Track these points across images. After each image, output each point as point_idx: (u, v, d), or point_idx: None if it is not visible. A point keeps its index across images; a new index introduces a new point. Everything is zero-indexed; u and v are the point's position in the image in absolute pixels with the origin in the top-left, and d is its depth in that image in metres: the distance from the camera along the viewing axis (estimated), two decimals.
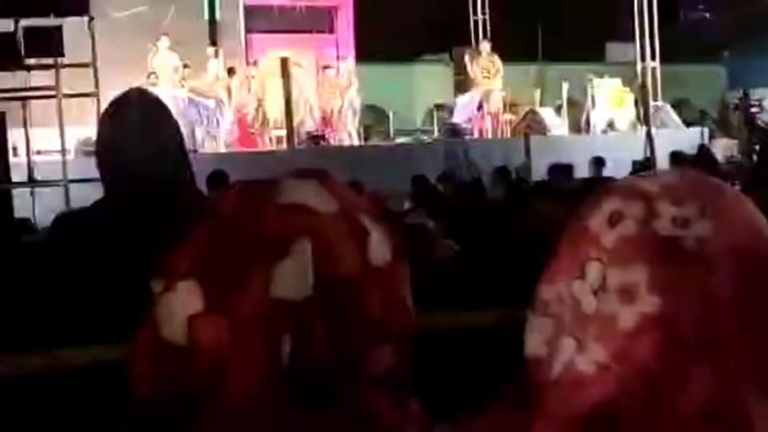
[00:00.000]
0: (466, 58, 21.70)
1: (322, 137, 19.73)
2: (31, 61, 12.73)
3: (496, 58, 21.58)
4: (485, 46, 21.84)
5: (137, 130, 2.96)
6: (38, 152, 14.14)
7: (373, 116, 22.55)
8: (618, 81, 22.22)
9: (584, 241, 1.02)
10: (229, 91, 19.37)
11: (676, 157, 14.93)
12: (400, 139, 21.17)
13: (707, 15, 21.26)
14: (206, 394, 1.26)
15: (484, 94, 20.92)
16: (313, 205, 1.32)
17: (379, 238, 1.34)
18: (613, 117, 21.65)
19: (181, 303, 1.27)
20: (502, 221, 7.09)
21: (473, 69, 21.17)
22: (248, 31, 22.42)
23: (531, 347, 1.05)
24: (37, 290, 2.98)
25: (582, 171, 13.70)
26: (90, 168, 10.50)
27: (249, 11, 22.48)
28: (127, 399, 1.35)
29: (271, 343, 1.26)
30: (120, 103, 3.07)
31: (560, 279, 1.03)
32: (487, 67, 21.12)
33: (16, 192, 11.99)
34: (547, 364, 1.03)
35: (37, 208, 11.76)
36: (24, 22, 12.50)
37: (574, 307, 1.01)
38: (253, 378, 1.25)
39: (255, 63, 20.57)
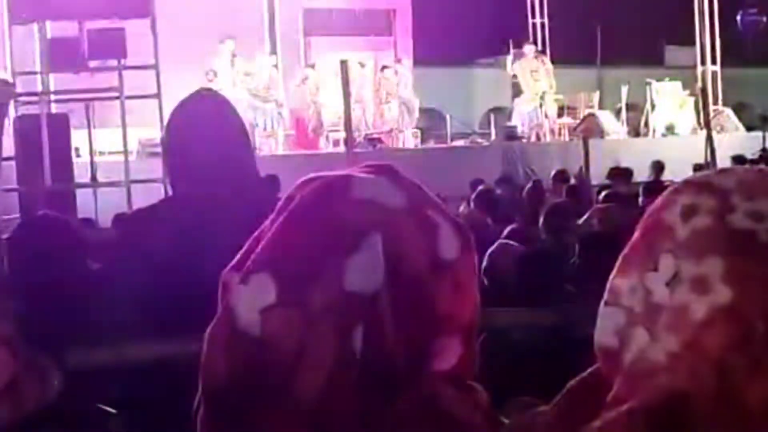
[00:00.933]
0: (509, 59, 21.60)
1: (380, 140, 19.78)
2: (95, 63, 12.88)
3: (546, 59, 21.44)
4: (530, 48, 21.66)
5: (207, 126, 2.99)
6: (100, 153, 14.33)
7: (431, 119, 22.53)
8: (678, 84, 22.02)
9: (659, 233, 1.03)
10: (285, 92, 19.48)
11: (738, 161, 14.79)
12: (458, 142, 21.13)
13: (764, 18, 20.96)
14: (279, 384, 1.28)
15: (540, 98, 20.81)
16: (384, 200, 1.34)
17: (447, 233, 1.36)
18: (672, 121, 21.47)
19: (255, 295, 1.30)
20: (563, 223, 7.08)
21: (516, 69, 21.06)
22: (306, 33, 22.51)
23: (602, 337, 1.06)
24: (108, 286, 3.03)
25: (641, 175, 13.61)
26: (151, 169, 10.68)
27: (307, 13, 22.57)
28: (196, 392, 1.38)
29: (342, 335, 1.28)
30: (190, 100, 3.10)
31: (634, 271, 1.04)
32: (535, 68, 21.01)
33: (79, 192, 12.18)
34: (619, 353, 1.04)
35: (99, 208, 11.90)
36: (88, 25, 12.65)
37: (646, 297, 1.02)
38: (325, 369, 1.27)
39: (312, 66, 20.64)
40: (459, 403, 1.34)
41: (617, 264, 1.07)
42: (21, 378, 2.28)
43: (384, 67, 21.25)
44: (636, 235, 1.07)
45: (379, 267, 1.30)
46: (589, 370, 1.11)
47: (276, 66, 19.99)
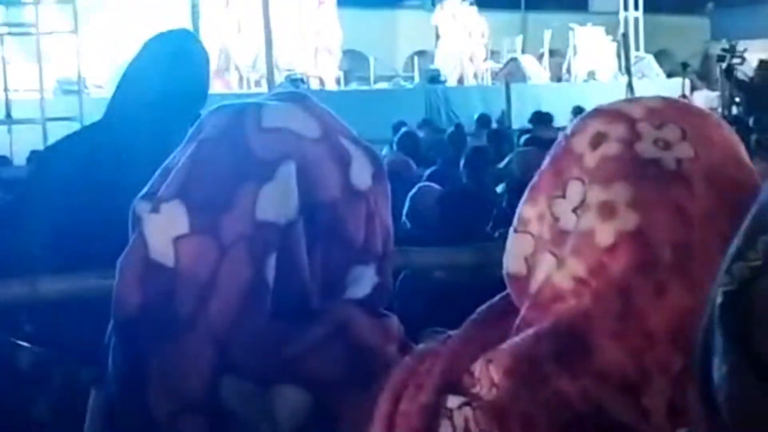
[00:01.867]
0: (437, 7, 21.53)
1: (302, 80, 19.65)
2: None
3: (473, 9, 21.38)
4: None
5: (167, 62, 3.01)
6: (15, 90, 14.06)
7: (354, 61, 22.44)
8: (601, 30, 22.19)
9: (567, 160, 1.05)
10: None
11: None
12: (381, 85, 21.10)
13: None
14: (191, 312, 1.28)
15: (462, 42, 20.83)
16: (297, 128, 1.34)
17: (360, 161, 1.37)
18: (594, 66, 21.65)
19: (168, 224, 1.29)
20: (483, 167, 7.13)
21: (440, 14, 21.04)
22: None
23: (511, 263, 1.08)
24: (17, 218, 3.00)
25: (563, 120, 13.72)
26: (68, 107, 10.49)
27: None
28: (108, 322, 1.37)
29: (255, 264, 1.28)
30: (157, 38, 3.14)
31: (542, 198, 1.05)
32: (460, 13, 20.98)
33: None
34: (527, 279, 1.05)
35: (14, 146, 11.71)
36: None
37: (554, 224, 1.04)
38: (238, 297, 1.28)
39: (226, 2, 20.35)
40: (371, 330, 1.35)
41: (526, 192, 1.08)
42: None
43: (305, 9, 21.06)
44: (545, 162, 1.08)
45: (292, 196, 1.30)
46: (497, 296, 1.13)
47: None
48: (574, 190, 1.02)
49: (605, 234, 0.98)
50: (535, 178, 1.08)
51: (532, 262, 1.05)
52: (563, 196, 1.03)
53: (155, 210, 1.31)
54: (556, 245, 1.03)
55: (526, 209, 1.07)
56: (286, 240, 1.29)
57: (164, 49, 3.10)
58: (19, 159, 10.26)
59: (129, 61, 3.12)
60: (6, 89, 12.77)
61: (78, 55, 12.75)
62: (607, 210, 0.99)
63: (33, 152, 8.40)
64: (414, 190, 5.57)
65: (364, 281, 1.37)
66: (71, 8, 12.83)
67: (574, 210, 1.02)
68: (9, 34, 13.31)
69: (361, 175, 1.36)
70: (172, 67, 3.01)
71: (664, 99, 1.10)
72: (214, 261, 1.27)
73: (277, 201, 1.29)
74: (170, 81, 2.99)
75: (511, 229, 1.09)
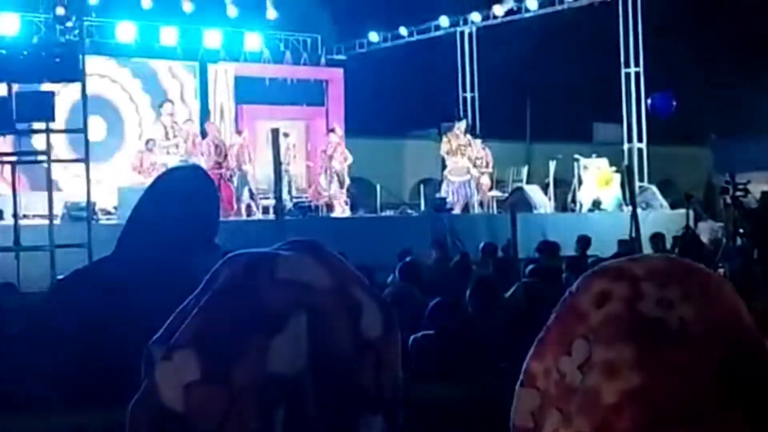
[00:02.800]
0: (444, 138, 21.71)
1: (309, 208, 19.80)
2: (23, 125, 12.77)
3: (475, 141, 21.52)
4: (461, 124, 21.77)
5: (177, 199, 3.04)
6: (24, 216, 14.15)
7: (361, 188, 22.64)
8: (605, 161, 22.38)
9: (573, 318, 1.07)
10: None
11: (656, 239, 15.11)
12: (387, 212, 21.23)
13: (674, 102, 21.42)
14: None
15: (468, 171, 20.99)
16: (309, 279, 1.36)
17: (371, 311, 1.39)
18: (599, 196, 21.78)
19: (179, 371, 1.31)
20: (489, 297, 7.12)
21: (446, 145, 21.21)
22: (238, 101, 22.57)
23: (518, 418, 1.09)
24: (28, 353, 3.00)
25: (568, 249, 13.76)
26: (76, 233, 10.48)
27: (239, 81, 22.64)
28: None
29: (264, 415, 1.29)
30: (167, 174, 3.19)
31: (549, 354, 1.07)
32: (465, 143, 21.18)
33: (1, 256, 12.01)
34: None
35: (22, 272, 11.72)
36: (17, 87, 12.55)
37: (560, 380, 1.05)
38: None
39: (239, 133, 20.65)
40: None
41: (533, 347, 1.10)
42: None
43: (315, 139, 21.38)
44: (552, 319, 1.10)
45: (302, 349, 1.31)
46: None
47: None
48: (580, 348, 1.04)
49: (610, 393, 1.00)
50: (542, 334, 1.10)
51: (539, 416, 1.07)
52: (569, 354, 1.05)
53: (168, 357, 1.32)
54: (562, 401, 1.04)
55: (533, 364, 1.09)
56: (295, 392, 1.30)
57: (175, 187, 3.15)
58: (26, 286, 10.26)
59: (141, 197, 3.16)
60: (15, 216, 12.84)
61: (87, 182, 12.85)
62: (612, 369, 1.01)
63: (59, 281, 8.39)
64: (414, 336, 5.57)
65: (373, 429, 1.37)
66: (82, 137, 12.99)
67: (580, 367, 1.03)
68: (19, 162, 13.46)
69: (372, 324, 1.38)
70: (184, 206, 3.04)
71: (667, 258, 1.13)
72: (224, 410, 1.28)
73: (287, 353, 1.30)
74: (182, 220, 3.02)
75: (518, 383, 1.11)
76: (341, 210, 20.52)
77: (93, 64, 17.58)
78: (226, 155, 19.30)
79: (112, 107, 20.93)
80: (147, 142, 19.28)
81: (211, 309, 1.34)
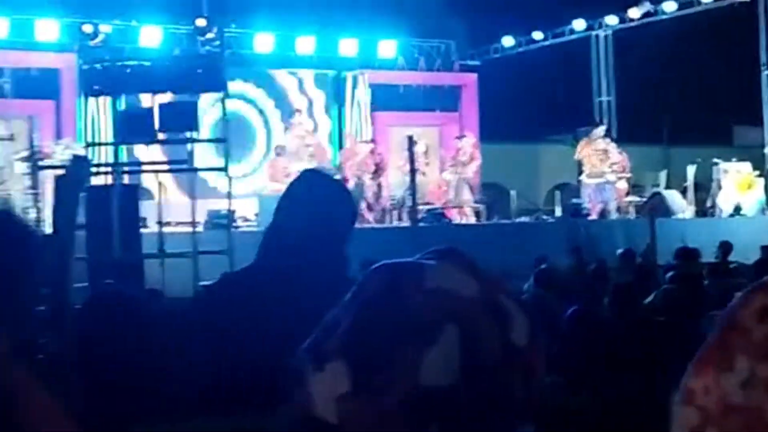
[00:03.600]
0: (581, 143, 21.44)
1: (443, 214, 19.81)
2: (165, 135, 13.08)
3: (611, 144, 21.21)
4: (598, 130, 21.47)
5: (310, 205, 3.07)
6: (167, 224, 14.51)
7: (495, 195, 22.55)
8: (747, 165, 21.82)
9: (735, 334, 1.03)
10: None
11: None
12: (522, 218, 21.09)
13: None
14: None
15: (605, 176, 20.71)
16: (457, 288, 1.34)
17: (518, 319, 1.37)
18: (740, 201, 21.25)
19: (331, 383, 1.31)
20: (628, 304, 7.01)
21: (585, 150, 20.96)
22: (373, 108, 22.75)
23: None
24: (176, 361, 3.06)
25: (708, 255, 13.45)
26: (217, 240, 10.70)
27: (373, 88, 22.81)
28: None
29: (419, 429, 1.28)
30: (300, 178, 3.22)
31: (709, 371, 1.04)
32: (603, 148, 20.89)
33: (146, 262, 12.33)
34: None
35: (166, 278, 12.01)
36: (160, 98, 12.88)
37: (721, 398, 1.01)
38: None
39: (373, 141, 20.78)
40: None
41: (692, 363, 1.06)
42: None
43: (449, 144, 21.39)
44: (712, 334, 1.06)
45: (454, 361, 1.29)
46: None
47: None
48: (742, 365, 1.00)
49: None
50: (702, 350, 1.06)
51: None
52: (730, 371, 1.01)
53: (319, 368, 1.32)
54: (723, 420, 1.00)
55: (692, 381, 1.05)
56: (448, 405, 1.29)
57: (311, 193, 3.16)
58: (171, 292, 10.51)
59: (277, 205, 3.19)
60: (160, 223, 13.17)
61: (229, 192, 13.12)
62: None
63: (205, 288, 8.57)
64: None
65: None
66: (222, 147, 13.26)
67: (742, 385, 1.00)
68: (168, 171, 13.79)
69: (520, 332, 1.35)
70: (320, 212, 3.06)
71: None
72: (376, 423, 1.28)
73: (440, 365, 1.29)
74: (319, 226, 3.04)
75: (677, 400, 1.07)
76: (471, 217, 20.46)
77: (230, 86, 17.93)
78: (359, 162, 19.49)
79: (246, 122, 21.27)
80: (276, 147, 19.69)
81: (360, 321, 1.34)
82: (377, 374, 1.29)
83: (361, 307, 1.35)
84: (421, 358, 1.29)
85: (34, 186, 14.56)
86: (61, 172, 10.62)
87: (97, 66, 13.66)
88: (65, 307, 2.93)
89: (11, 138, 17.71)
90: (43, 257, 2.54)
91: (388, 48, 23.14)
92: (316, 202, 3.11)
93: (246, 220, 17.41)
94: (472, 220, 20.23)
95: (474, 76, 24.45)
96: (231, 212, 13.47)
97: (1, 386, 2.17)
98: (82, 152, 12.52)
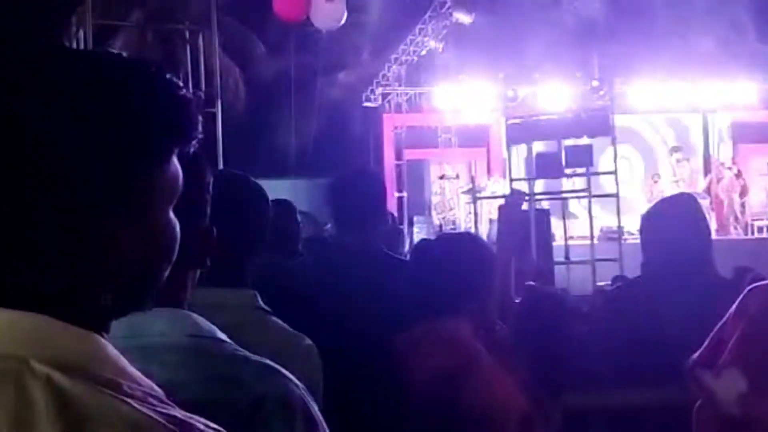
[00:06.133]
0: None
1: None
2: (569, 170, 13.17)
3: None
4: None
5: (674, 218, 2.97)
6: (571, 237, 14.49)
7: None
8: None
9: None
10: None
11: None
12: None
13: None
14: None
15: None
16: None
17: None
18: None
19: (730, 385, 1.31)
20: None
21: None
22: (735, 141, 21.32)
23: None
24: (592, 343, 3.04)
25: None
26: (609, 250, 10.54)
27: (736, 126, 21.38)
28: None
29: None
30: (668, 199, 3.15)
31: None
32: None
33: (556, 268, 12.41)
34: None
35: (571, 279, 11.99)
36: (566, 142, 13.04)
37: None
38: None
39: (731, 168, 19.39)
40: None
41: None
42: (531, 414, 2.34)
43: None
44: None
45: None
46: None
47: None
48: None
49: None
50: None
51: None
52: None
53: (717, 375, 1.34)
54: None
55: None
56: None
57: (686, 212, 2.99)
58: (573, 290, 10.47)
59: (656, 224, 3.06)
60: (565, 238, 13.23)
61: (618, 212, 12.95)
62: None
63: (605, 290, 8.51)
64: None
65: None
66: (613, 177, 13.10)
67: None
68: (572, 198, 13.81)
69: None
70: (696, 227, 2.91)
71: None
72: None
73: None
74: (695, 238, 2.88)
75: None
76: None
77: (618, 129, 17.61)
78: (725, 185, 18.43)
79: (641, 142, 20.70)
80: (653, 175, 18.99)
81: (748, 335, 1.32)
82: (765, 378, 1.29)
83: (749, 324, 1.34)
84: None
85: (474, 212, 15.07)
86: (500, 201, 11.01)
87: (517, 121, 14.13)
88: (509, 301, 3.01)
89: (456, 177, 18.57)
90: (494, 266, 2.62)
91: (749, 92, 21.48)
92: (693, 219, 2.97)
93: (631, 234, 16.96)
94: None
95: None
96: (620, 228, 13.22)
97: (466, 362, 2.26)
98: (515, 186, 12.91)
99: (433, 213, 18.69)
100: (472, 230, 14.65)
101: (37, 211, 0.87)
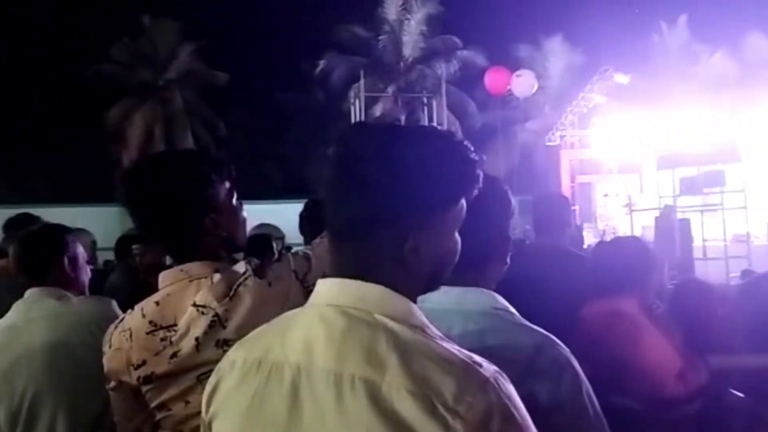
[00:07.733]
0: None
1: None
2: (707, 189, 12.15)
3: None
4: None
5: None
6: (704, 240, 13.27)
7: None
8: None
9: None
10: None
11: None
12: None
13: None
14: None
15: None
16: None
17: None
18: None
19: None
20: None
21: None
22: None
23: None
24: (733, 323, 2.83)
25: None
26: (739, 252, 9.47)
27: None
28: None
29: None
30: None
31: None
32: None
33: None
34: None
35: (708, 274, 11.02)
36: (702, 168, 12.03)
37: None
38: None
39: None
40: None
41: None
42: (684, 368, 2.23)
43: None
44: None
45: None
46: None
47: None
48: None
49: None
50: None
51: None
52: None
53: None
54: None
55: None
56: None
57: None
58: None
59: None
60: (703, 238, 12.19)
61: (746, 220, 11.76)
62: None
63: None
64: None
65: None
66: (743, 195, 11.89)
67: None
68: (709, 210, 12.75)
69: None
70: None
71: None
72: None
73: None
74: None
75: None
76: None
77: None
78: None
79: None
80: None
81: None
82: None
83: None
84: None
85: (630, 221, 14.24)
86: (653, 213, 10.39)
87: (665, 153, 13.13)
88: (664, 286, 2.88)
89: (616, 195, 17.79)
90: (653, 261, 2.53)
91: None
92: None
93: (756, 237, 15.23)
94: None
95: None
96: (748, 233, 11.99)
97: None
98: (665, 202, 12.09)
99: (598, 221, 18.06)
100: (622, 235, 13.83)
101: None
